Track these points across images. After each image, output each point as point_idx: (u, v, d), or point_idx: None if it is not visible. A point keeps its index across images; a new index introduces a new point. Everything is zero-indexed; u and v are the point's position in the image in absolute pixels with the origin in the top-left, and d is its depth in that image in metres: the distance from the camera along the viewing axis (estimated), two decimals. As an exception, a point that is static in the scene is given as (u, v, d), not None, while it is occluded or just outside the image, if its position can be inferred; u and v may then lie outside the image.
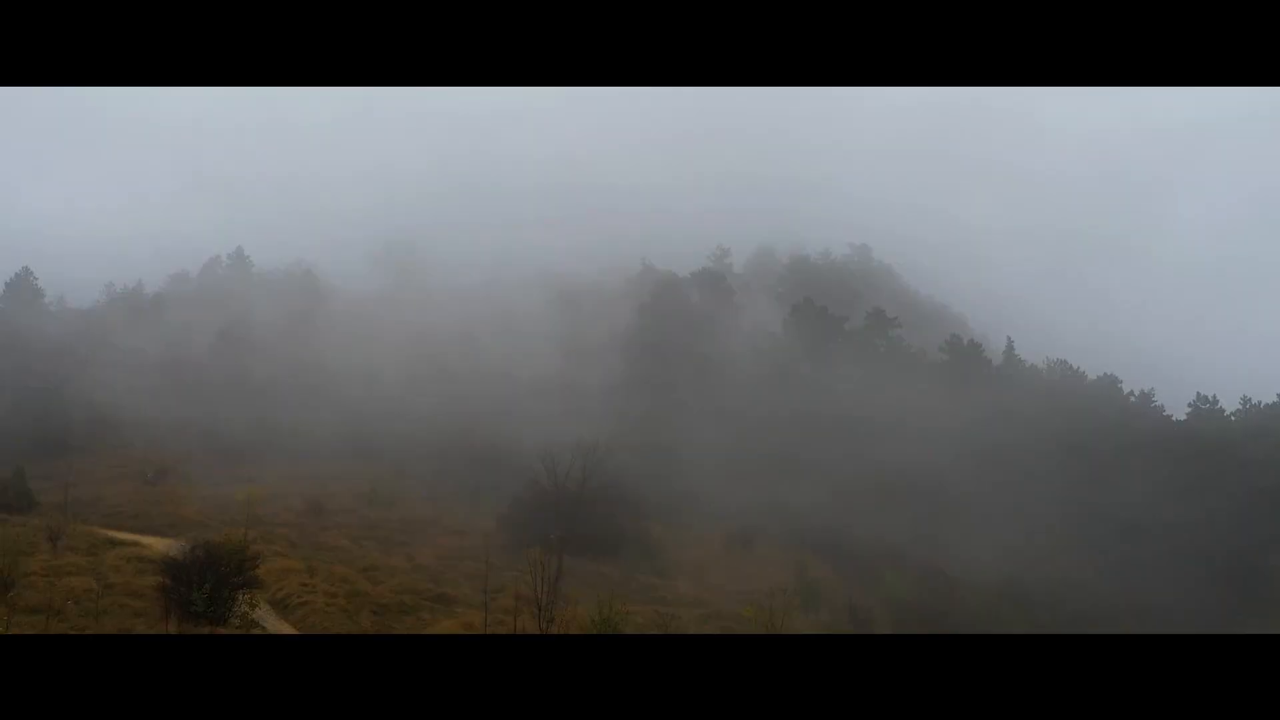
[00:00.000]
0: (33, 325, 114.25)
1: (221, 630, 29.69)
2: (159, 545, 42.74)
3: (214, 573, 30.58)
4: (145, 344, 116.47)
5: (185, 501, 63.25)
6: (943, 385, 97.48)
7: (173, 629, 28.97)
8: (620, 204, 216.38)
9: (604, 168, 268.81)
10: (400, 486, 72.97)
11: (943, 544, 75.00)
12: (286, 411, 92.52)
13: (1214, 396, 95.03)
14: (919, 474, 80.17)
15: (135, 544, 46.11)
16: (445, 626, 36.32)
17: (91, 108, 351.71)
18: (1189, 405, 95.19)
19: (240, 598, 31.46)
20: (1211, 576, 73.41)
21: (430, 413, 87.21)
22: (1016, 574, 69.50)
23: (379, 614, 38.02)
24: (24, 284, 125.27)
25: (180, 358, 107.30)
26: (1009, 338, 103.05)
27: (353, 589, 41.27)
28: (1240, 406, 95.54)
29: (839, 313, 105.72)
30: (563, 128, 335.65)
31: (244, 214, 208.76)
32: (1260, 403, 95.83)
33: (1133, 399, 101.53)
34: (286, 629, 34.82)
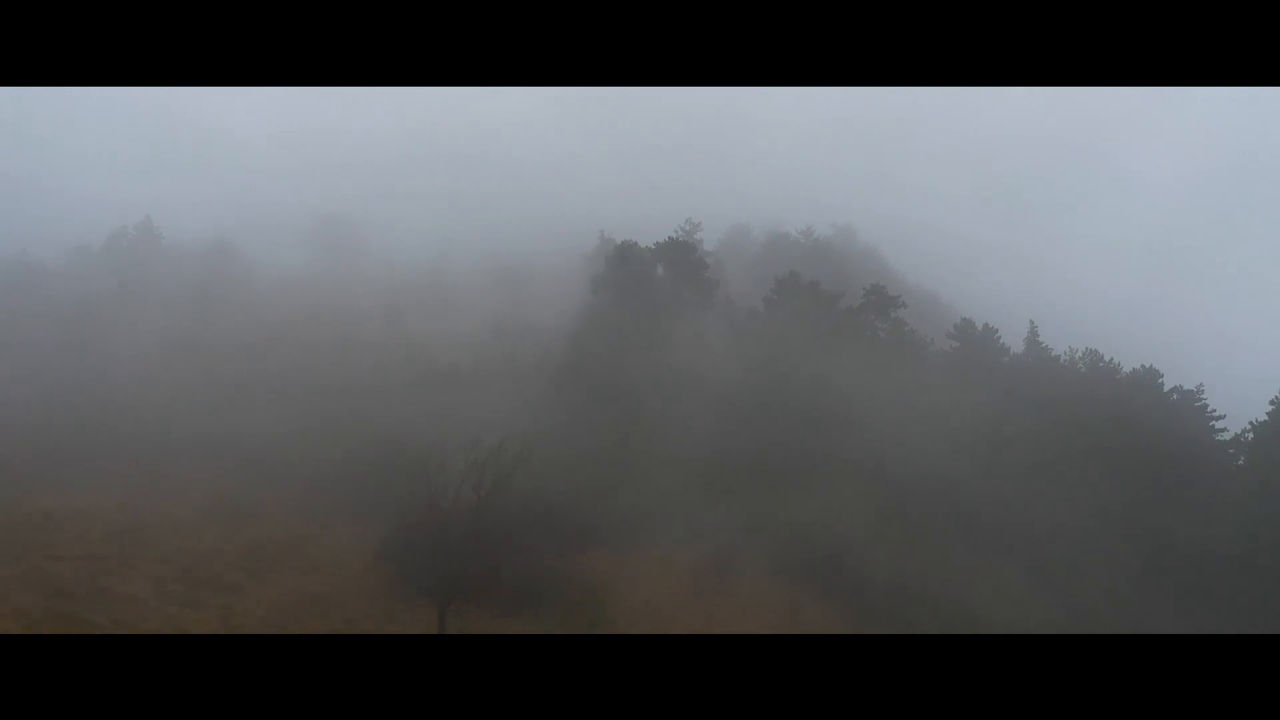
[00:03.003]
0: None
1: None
2: None
3: None
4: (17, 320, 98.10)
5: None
6: (955, 377, 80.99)
7: None
8: (578, 180, 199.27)
9: (559, 143, 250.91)
10: (263, 498, 54.98)
11: (971, 577, 58.36)
12: (150, 403, 74.41)
13: None
14: (936, 485, 63.44)
15: None
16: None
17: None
18: (1249, 426, 78.87)
19: None
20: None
21: (328, 408, 69.27)
22: (1078, 620, 52.96)
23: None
24: None
25: (36, 340, 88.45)
26: (1032, 322, 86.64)
27: None
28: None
29: (831, 289, 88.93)
30: (519, 107, 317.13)
31: (164, 184, 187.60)
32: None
33: (1175, 397, 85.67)
34: None
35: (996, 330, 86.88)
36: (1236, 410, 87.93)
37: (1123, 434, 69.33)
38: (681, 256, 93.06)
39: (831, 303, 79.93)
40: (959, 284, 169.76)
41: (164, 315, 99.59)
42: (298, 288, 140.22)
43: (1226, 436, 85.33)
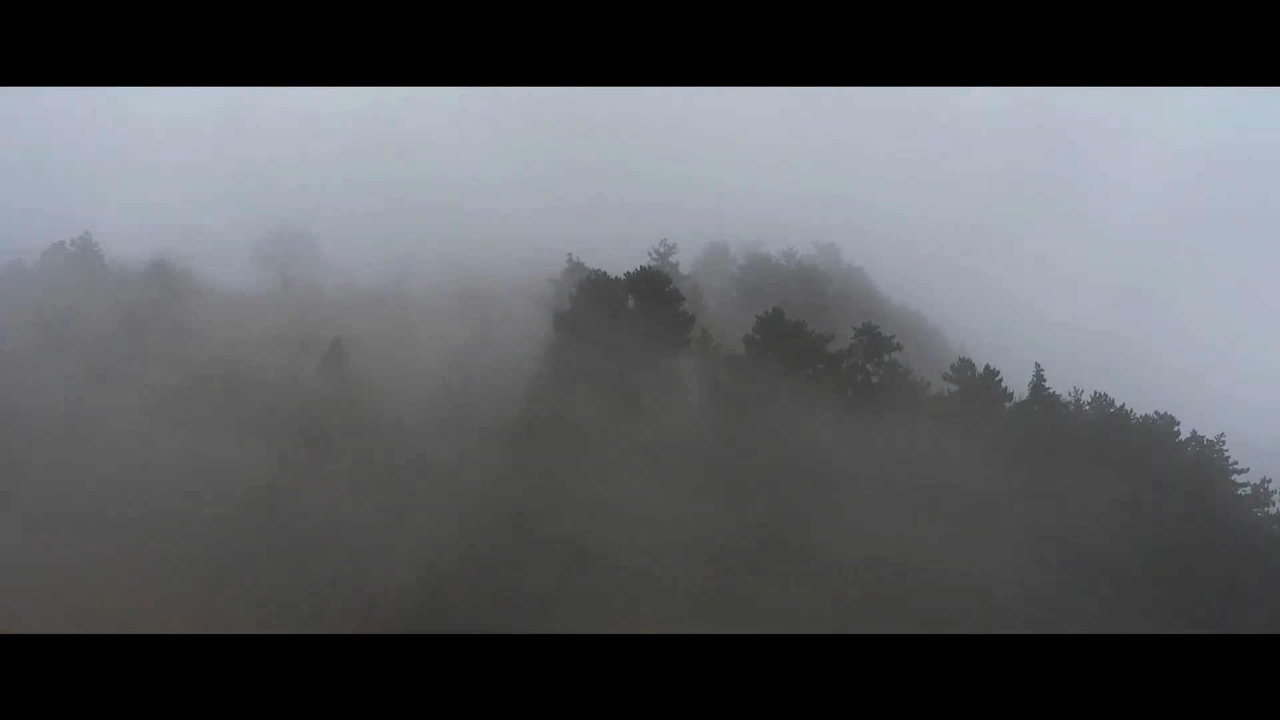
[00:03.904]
0: None
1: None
2: None
3: None
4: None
5: None
6: (957, 428, 73.45)
7: None
8: (546, 192, 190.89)
9: (524, 154, 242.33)
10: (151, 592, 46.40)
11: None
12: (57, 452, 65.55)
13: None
14: (956, 569, 55.29)
15: None
16: None
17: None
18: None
19: None
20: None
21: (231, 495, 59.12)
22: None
23: None
24: None
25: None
26: (1037, 365, 79.01)
27: None
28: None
29: (816, 327, 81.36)
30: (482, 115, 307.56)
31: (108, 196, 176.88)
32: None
33: (1192, 449, 78.55)
34: None
35: (998, 373, 79.41)
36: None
37: (1150, 505, 61.92)
38: (655, 289, 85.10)
39: (819, 345, 72.13)
40: (942, 303, 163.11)
41: (91, 348, 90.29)
42: (244, 307, 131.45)
43: (1247, 491, 78.50)
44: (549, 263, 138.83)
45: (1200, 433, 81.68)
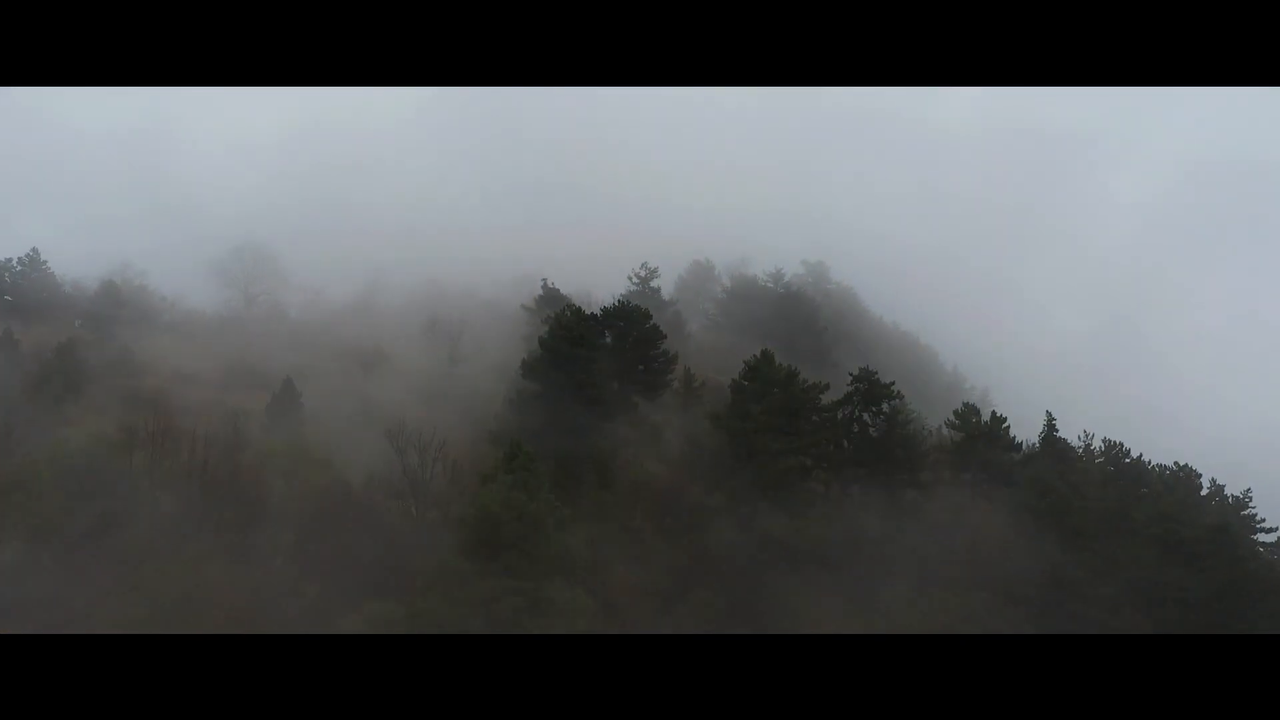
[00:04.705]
0: None
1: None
2: None
3: None
4: None
5: None
6: (963, 486, 67.20)
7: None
8: (522, 205, 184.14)
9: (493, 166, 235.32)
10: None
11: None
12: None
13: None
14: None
15: None
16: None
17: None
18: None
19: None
20: None
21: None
22: None
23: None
24: None
25: None
26: (1049, 413, 72.54)
27: None
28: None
29: (808, 368, 74.96)
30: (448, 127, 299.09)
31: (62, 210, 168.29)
32: None
33: (1214, 503, 72.59)
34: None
35: (1005, 420, 73.05)
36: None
37: (1178, 584, 55.63)
38: (633, 325, 78.41)
39: (813, 396, 65.47)
40: (930, 319, 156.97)
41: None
42: (202, 331, 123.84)
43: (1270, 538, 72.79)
44: (525, 279, 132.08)
45: (1220, 482, 76.24)
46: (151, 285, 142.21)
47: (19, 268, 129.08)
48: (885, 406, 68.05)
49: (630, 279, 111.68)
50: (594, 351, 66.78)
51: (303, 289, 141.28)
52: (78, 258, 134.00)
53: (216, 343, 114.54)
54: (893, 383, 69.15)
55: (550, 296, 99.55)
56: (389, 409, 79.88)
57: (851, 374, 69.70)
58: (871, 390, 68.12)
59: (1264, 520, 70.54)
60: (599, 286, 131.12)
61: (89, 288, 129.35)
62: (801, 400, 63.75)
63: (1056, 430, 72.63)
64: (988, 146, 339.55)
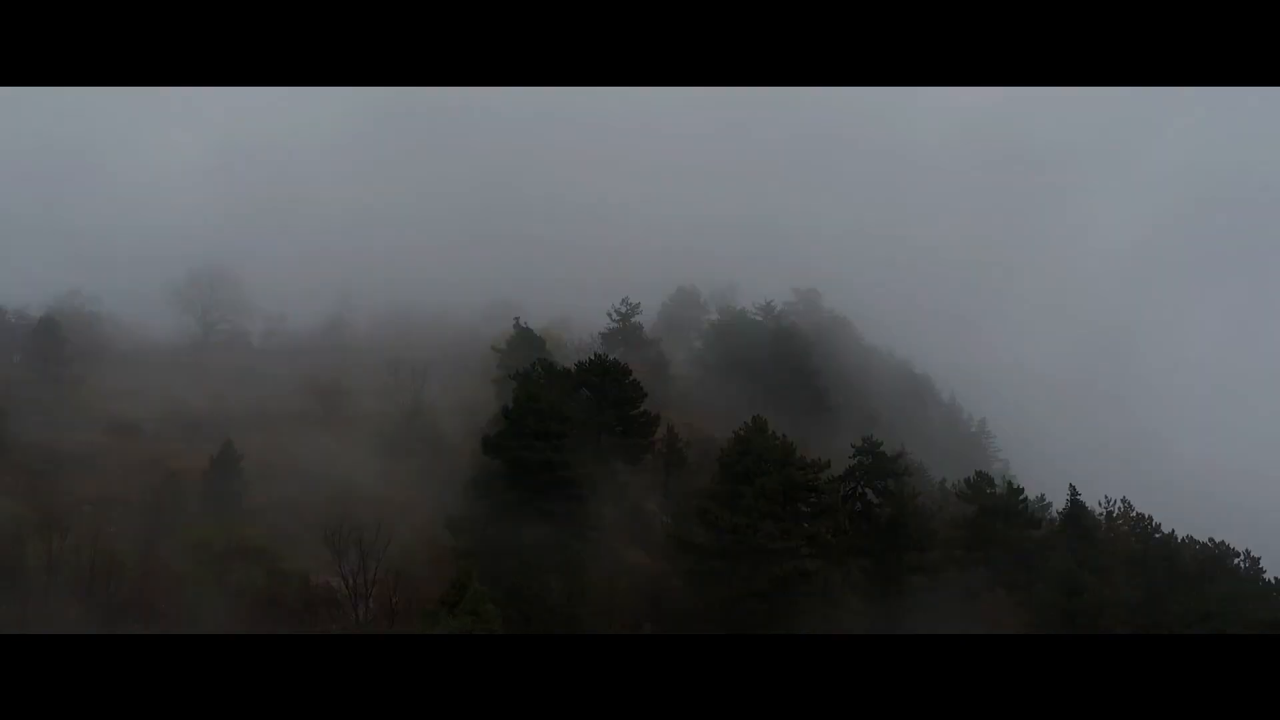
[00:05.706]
0: None
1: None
2: None
3: None
4: None
5: None
6: (982, 569, 59.90)
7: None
8: (496, 225, 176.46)
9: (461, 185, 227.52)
10: None
11: None
12: None
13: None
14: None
15: None
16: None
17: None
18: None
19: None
20: None
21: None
22: None
23: None
24: None
25: None
26: (1072, 486, 65.25)
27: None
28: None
29: (805, 420, 67.75)
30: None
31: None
32: None
33: (1248, 572, 65.76)
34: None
35: (1022, 491, 65.83)
36: None
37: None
38: (612, 381, 70.93)
39: (813, 476, 57.97)
40: (922, 343, 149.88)
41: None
42: (155, 364, 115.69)
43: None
44: (498, 305, 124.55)
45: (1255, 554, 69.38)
46: (106, 311, 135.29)
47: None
48: (891, 484, 60.68)
49: (610, 315, 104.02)
50: (564, 425, 59.08)
51: (265, 315, 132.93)
52: (17, 284, 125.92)
53: (168, 378, 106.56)
54: (899, 455, 61.83)
55: (522, 337, 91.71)
56: (342, 466, 72.99)
57: (854, 445, 62.31)
58: (877, 464, 60.79)
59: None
60: (576, 311, 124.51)
61: (33, 316, 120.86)
62: (798, 482, 56.27)
63: (1079, 496, 65.36)
64: (977, 167, 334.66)
